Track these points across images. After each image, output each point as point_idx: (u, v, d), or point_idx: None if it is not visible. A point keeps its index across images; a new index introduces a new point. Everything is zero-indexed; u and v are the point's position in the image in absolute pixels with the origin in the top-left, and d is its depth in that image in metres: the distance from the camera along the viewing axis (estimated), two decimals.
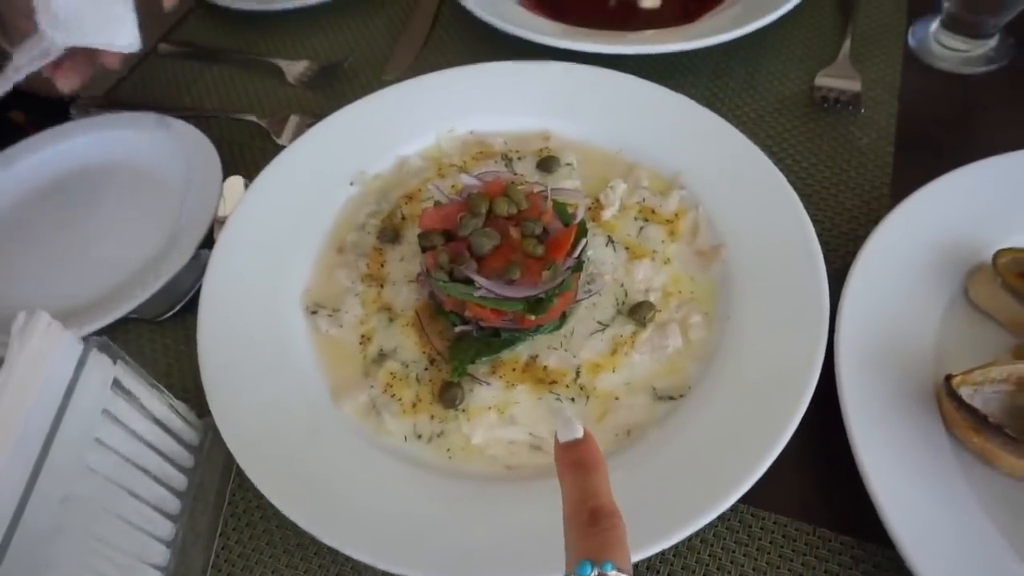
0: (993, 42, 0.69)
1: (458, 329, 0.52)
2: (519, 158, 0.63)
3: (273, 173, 0.62)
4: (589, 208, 0.59)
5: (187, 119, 0.71)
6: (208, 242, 0.61)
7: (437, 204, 0.55)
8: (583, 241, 0.52)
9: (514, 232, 0.52)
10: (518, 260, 0.50)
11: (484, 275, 0.50)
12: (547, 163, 0.62)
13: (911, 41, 0.71)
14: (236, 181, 0.65)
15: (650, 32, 0.72)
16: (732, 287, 0.54)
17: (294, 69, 0.78)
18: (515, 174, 0.62)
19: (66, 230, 0.66)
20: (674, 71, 0.70)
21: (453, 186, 0.62)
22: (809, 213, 0.55)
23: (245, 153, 0.71)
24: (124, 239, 0.65)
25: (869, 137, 0.65)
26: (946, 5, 0.68)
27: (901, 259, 0.53)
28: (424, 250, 0.53)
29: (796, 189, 0.56)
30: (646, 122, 0.63)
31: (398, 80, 0.72)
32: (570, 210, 0.55)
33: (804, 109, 0.68)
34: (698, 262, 0.56)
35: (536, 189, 0.55)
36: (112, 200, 0.68)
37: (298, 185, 0.62)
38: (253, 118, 0.73)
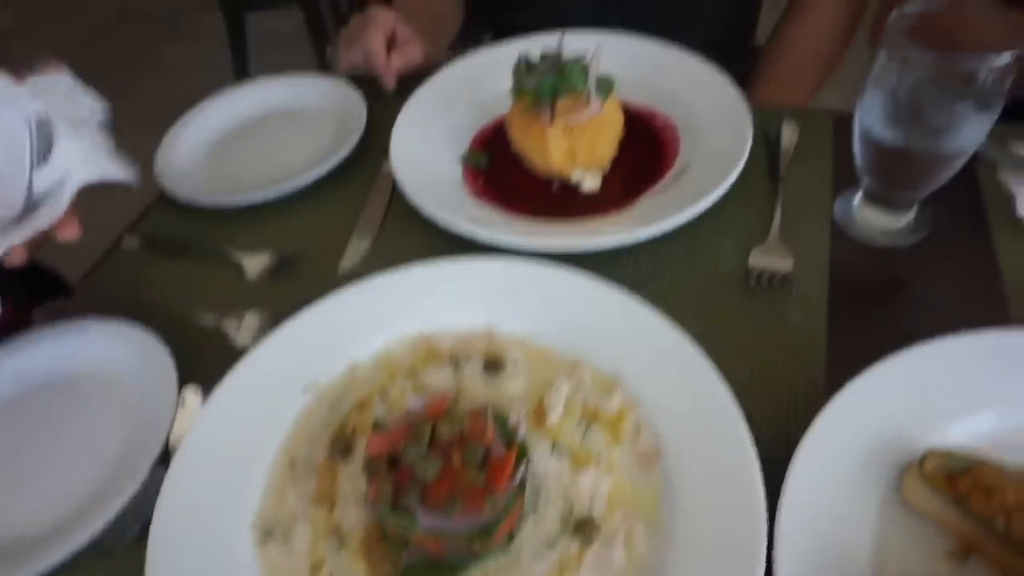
0: (912, 214, 0.73)
1: (404, 562, 0.53)
2: (466, 360, 0.66)
3: (227, 389, 0.64)
4: (534, 411, 0.61)
5: (147, 322, 0.74)
6: (165, 458, 0.63)
7: (382, 428, 0.57)
8: (523, 464, 0.54)
9: (456, 457, 0.53)
10: (460, 490, 0.52)
11: (428, 502, 0.51)
12: (493, 365, 0.65)
13: (837, 215, 0.76)
14: (192, 396, 0.66)
15: (591, 221, 0.76)
16: (673, 492, 0.55)
17: (252, 263, 0.81)
18: (462, 379, 0.64)
19: (17, 452, 0.68)
20: (614, 254, 0.73)
21: (403, 392, 0.64)
22: (746, 407, 0.57)
23: (203, 355, 0.73)
24: (78, 459, 0.66)
25: (803, 318, 0.68)
26: (864, 180, 0.73)
27: (836, 459, 0.55)
28: (369, 478, 0.54)
29: (732, 380, 0.59)
30: (586, 318, 0.66)
31: (352, 271, 0.76)
32: (511, 424, 0.57)
33: (740, 289, 0.71)
34: (640, 466, 0.58)
35: (480, 402, 0.58)
36: (67, 417, 0.70)
37: (252, 400, 0.64)
38: (211, 317, 0.75)
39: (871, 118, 0.67)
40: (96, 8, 3.79)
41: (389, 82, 0.95)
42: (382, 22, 0.94)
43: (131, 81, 3.24)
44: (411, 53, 0.96)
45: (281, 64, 3.29)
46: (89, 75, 0.71)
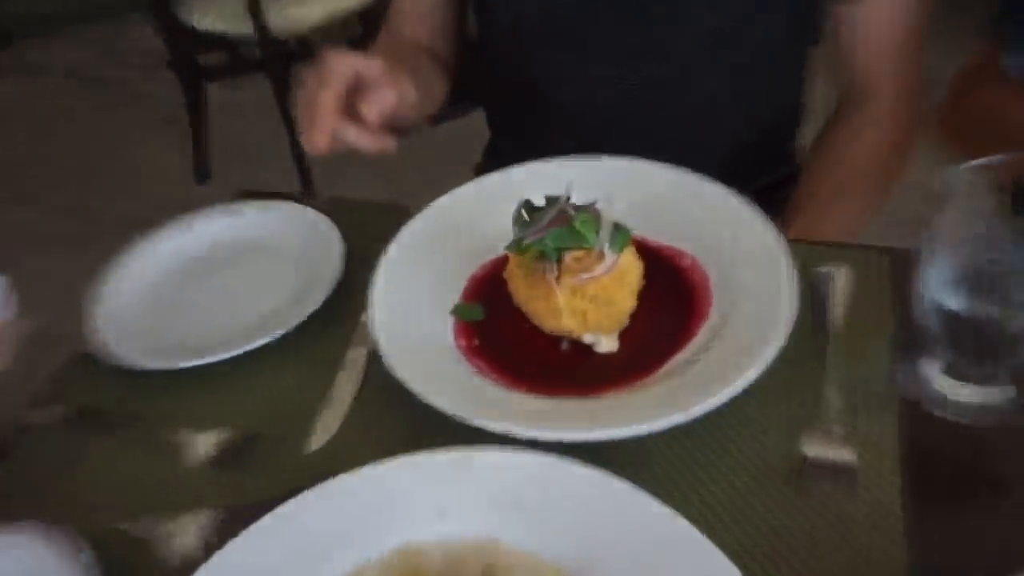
0: (1002, 386, 0.67)
1: None
2: None
3: None
4: None
5: (66, 522, 0.65)
6: None
7: None
8: None
9: None
10: None
11: None
12: None
13: (904, 384, 0.69)
14: None
15: (609, 397, 0.69)
16: None
17: (198, 444, 0.73)
18: None
19: None
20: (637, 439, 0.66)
21: None
22: None
23: (134, 571, 0.65)
24: None
25: (873, 526, 0.61)
26: (937, 351, 0.67)
27: None
28: None
29: None
30: (605, 532, 0.57)
31: (321, 454, 0.70)
32: None
33: (790, 484, 0.64)
34: None
35: None
36: None
37: None
38: (146, 518, 0.67)
39: (939, 283, 0.62)
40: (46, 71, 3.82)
41: (381, 145, 0.80)
42: (336, 75, 0.77)
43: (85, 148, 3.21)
44: (382, 98, 0.79)
45: (245, 135, 3.29)
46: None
